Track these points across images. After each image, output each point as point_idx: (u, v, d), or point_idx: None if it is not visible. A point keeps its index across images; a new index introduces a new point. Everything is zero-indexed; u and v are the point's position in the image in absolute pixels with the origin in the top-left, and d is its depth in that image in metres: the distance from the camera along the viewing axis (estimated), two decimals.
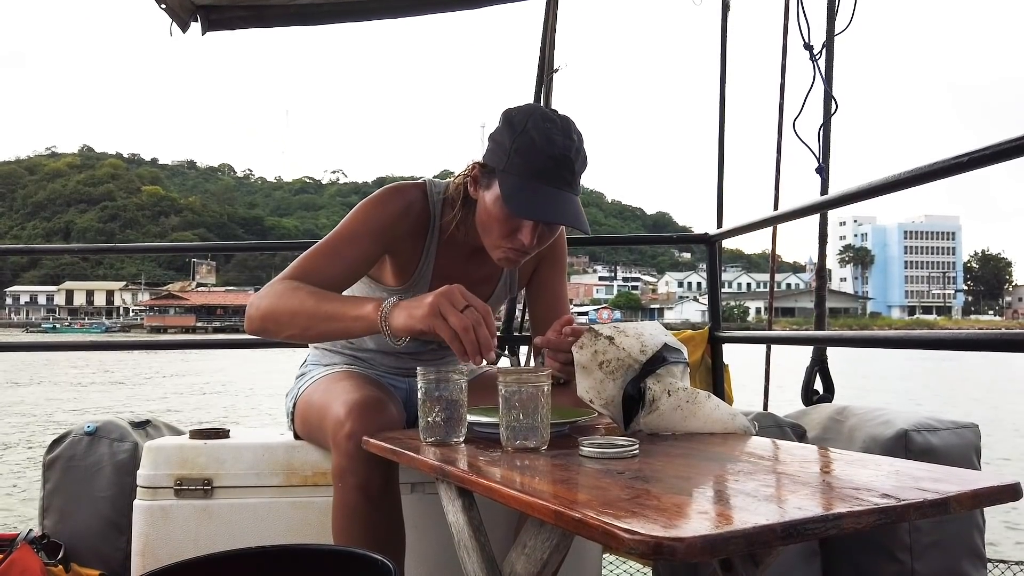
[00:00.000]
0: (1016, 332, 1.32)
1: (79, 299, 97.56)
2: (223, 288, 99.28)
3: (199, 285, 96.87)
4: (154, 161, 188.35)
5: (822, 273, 2.68)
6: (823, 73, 2.63)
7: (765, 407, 2.80)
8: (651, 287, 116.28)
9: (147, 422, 2.09)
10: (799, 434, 1.97)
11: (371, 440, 1.33)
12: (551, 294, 1.76)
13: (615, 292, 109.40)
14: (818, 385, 2.43)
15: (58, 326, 78.83)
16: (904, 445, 1.74)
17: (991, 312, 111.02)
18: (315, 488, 1.71)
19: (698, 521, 0.80)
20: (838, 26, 2.62)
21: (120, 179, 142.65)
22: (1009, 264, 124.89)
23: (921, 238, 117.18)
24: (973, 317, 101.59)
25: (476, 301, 1.27)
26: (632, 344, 1.34)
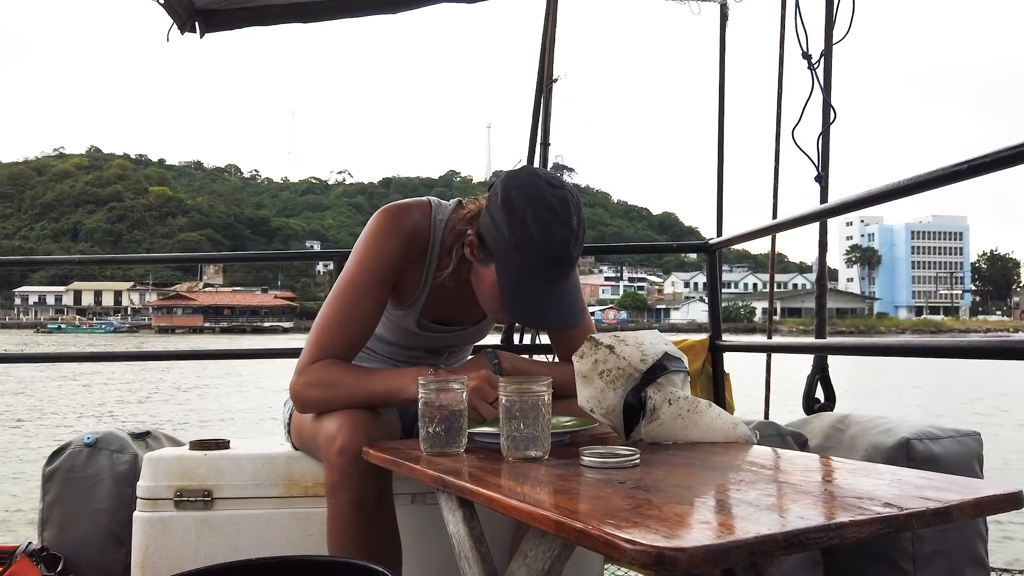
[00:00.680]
0: (1019, 339, 1.32)
1: (87, 299, 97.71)
2: (230, 288, 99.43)
3: (206, 285, 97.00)
4: (161, 162, 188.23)
5: (822, 281, 2.68)
6: (821, 82, 2.63)
7: (766, 416, 2.79)
8: (657, 287, 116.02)
9: (147, 433, 2.08)
10: (800, 443, 1.96)
11: (371, 451, 1.33)
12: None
13: (621, 292, 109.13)
14: (819, 394, 2.42)
15: (65, 326, 78.86)
16: (906, 454, 1.74)
17: (999, 312, 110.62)
18: (315, 499, 1.70)
19: (700, 531, 0.80)
20: (836, 34, 2.62)
21: (128, 180, 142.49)
22: (1017, 264, 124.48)
23: (928, 238, 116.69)
24: (981, 318, 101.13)
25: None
26: (632, 353, 1.34)
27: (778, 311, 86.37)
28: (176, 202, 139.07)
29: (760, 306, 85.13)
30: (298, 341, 2.03)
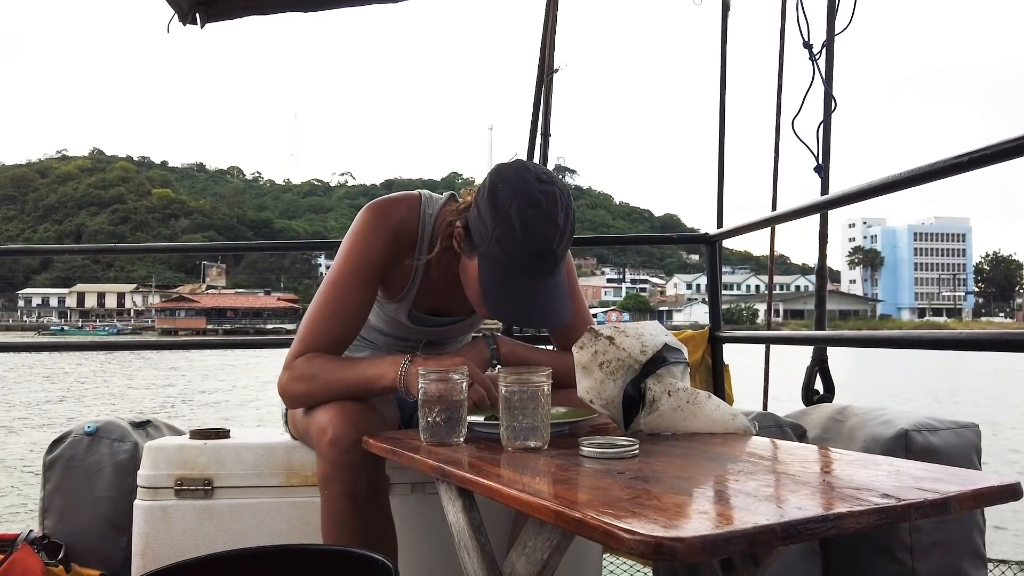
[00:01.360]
0: (1017, 332, 1.32)
1: (90, 301, 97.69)
2: (233, 290, 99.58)
3: (209, 287, 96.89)
4: (164, 164, 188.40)
5: (822, 273, 2.68)
6: (823, 72, 2.63)
7: (765, 407, 2.80)
8: (659, 289, 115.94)
9: (147, 422, 2.09)
10: (799, 434, 1.96)
11: (371, 440, 1.33)
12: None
13: (623, 294, 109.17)
14: (819, 385, 2.42)
15: (67, 328, 78.86)
16: (904, 445, 1.74)
17: (1002, 315, 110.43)
18: (315, 488, 1.70)
19: (698, 521, 0.80)
20: (838, 25, 2.61)
21: (131, 182, 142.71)
22: (1020, 266, 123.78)
23: (931, 240, 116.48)
24: (984, 319, 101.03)
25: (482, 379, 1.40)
26: (632, 344, 1.34)
27: (780, 313, 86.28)
28: (179, 204, 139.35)
29: (763, 308, 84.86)
30: None
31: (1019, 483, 0.96)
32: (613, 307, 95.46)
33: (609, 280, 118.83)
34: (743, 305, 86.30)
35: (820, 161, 2.61)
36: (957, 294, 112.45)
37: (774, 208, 2.88)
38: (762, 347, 2.73)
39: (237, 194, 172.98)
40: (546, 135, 3.14)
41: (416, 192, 1.62)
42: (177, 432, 2.07)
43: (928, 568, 1.73)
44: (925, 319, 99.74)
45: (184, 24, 2.60)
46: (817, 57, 2.64)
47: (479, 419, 1.34)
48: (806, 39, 2.67)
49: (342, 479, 1.39)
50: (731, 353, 2.53)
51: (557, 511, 0.85)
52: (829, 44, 2.62)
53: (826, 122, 2.62)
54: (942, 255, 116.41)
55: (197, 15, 2.60)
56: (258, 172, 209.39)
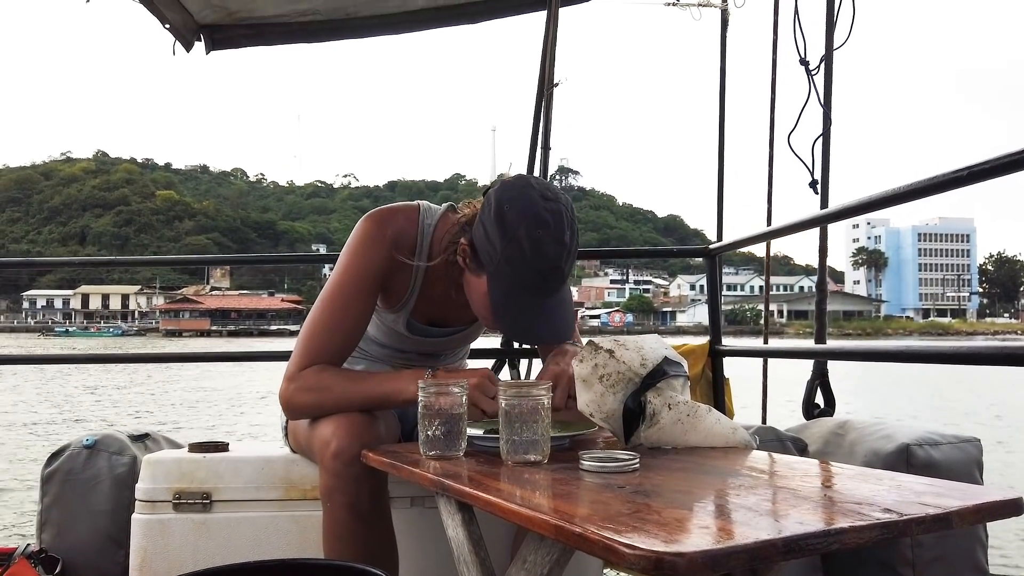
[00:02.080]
0: (1020, 346, 1.31)
1: (95, 303, 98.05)
2: (237, 292, 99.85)
3: (213, 289, 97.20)
4: (167, 166, 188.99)
5: (822, 286, 2.68)
6: (822, 87, 2.64)
7: (764, 420, 2.79)
8: (663, 290, 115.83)
9: (146, 435, 2.08)
10: (800, 448, 1.96)
11: (370, 454, 1.33)
12: None
13: (627, 295, 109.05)
14: (819, 399, 2.42)
15: (71, 329, 78.83)
16: (906, 459, 1.74)
17: (1007, 315, 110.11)
18: (314, 502, 1.70)
19: (699, 536, 0.79)
20: (836, 39, 2.62)
21: (135, 184, 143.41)
22: None
23: (935, 240, 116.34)
24: (988, 320, 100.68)
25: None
26: (632, 357, 1.34)
27: (784, 313, 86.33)
28: (183, 206, 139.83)
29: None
30: None
31: (1020, 498, 0.96)
32: (617, 308, 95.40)
33: (612, 281, 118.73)
34: (747, 306, 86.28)
35: (818, 176, 2.62)
36: (961, 295, 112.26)
37: (769, 223, 2.88)
38: (755, 358, 2.72)
39: (241, 196, 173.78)
40: (546, 148, 3.15)
41: (414, 203, 1.63)
42: (176, 445, 2.07)
43: None
44: (929, 320, 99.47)
45: (188, 51, 2.62)
46: (815, 72, 2.65)
47: (479, 432, 1.34)
48: (803, 55, 2.69)
49: (345, 492, 1.39)
50: (732, 363, 2.52)
51: (557, 525, 0.85)
52: (828, 59, 2.63)
53: (825, 137, 2.63)
54: (946, 256, 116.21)
55: (202, 40, 2.63)
56: (262, 174, 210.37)
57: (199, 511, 1.70)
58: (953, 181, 1.35)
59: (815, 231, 2.47)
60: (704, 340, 2.54)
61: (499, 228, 1.38)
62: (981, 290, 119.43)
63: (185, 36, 2.59)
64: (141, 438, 2.05)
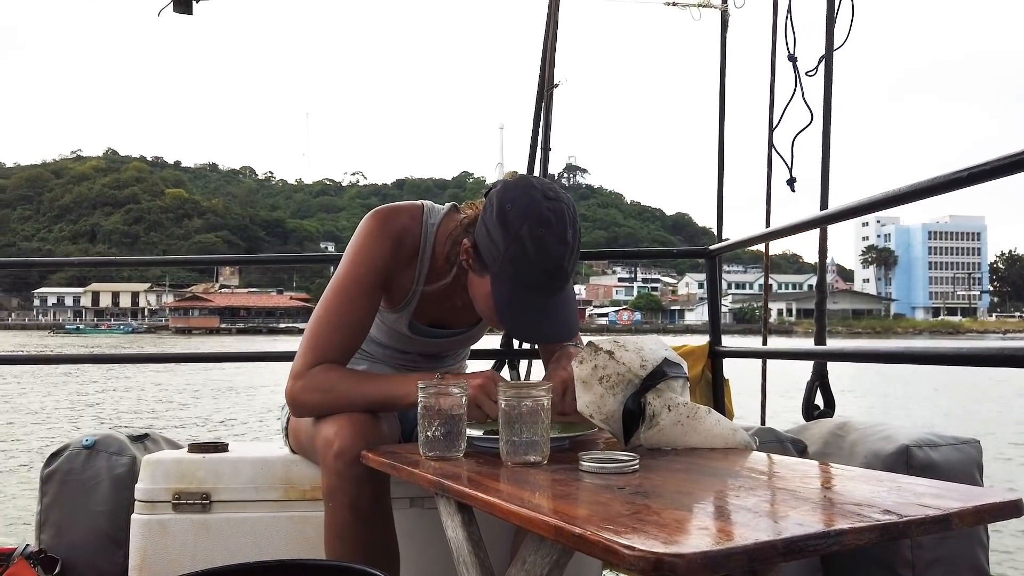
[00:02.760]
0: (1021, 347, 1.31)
1: (105, 300, 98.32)
2: (246, 289, 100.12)
3: (222, 286, 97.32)
4: (177, 164, 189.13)
5: (822, 288, 2.68)
6: (815, 86, 2.65)
7: (763, 421, 2.79)
8: (671, 288, 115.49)
9: (145, 435, 2.08)
10: (800, 449, 1.96)
11: (370, 455, 1.33)
12: None
13: (635, 293, 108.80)
14: (819, 400, 2.42)
15: (82, 327, 78.90)
16: (905, 461, 1.74)
17: (1018, 314, 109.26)
18: (313, 503, 1.70)
19: (699, 537, 0.79)
20: (836, 40, 2.63)
21: (144, 182, 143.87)
22: None
23: (946, 238, 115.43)
24: (999, 319, 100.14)
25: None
26: (632, 359, 1.34)
27: (793, 312, 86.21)
28: (192, 204, 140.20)
29: (775, 307, 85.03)
30: None
31: (1020, 499, 0.96)
32: (625, 306, 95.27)
33: (620, 279, 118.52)
34: (755, 305, 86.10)
35: (817, 174, 2.62)
36: (972, 293, 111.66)
37: (768, 224, 2.88)
38: (755, 359, 2.72)
39: (250, 194, 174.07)
40: (546, 149, 3.16)
41: (418, 202, 1.63)
42: (175, 446, 2.07)
43: None
44: (940, 318, 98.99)
45: (175, 11, 2.61)
46: (812, 72, 2.66)
47: (478, 433, 1.33)
48: (791, 52, 2.70)
49: (347, 492, 1.39)
50: (732, 364, 2.52)
51: (557, 526, 0.85)
52: (827, 59, 2.64)
53: (825, 135, 2.63)
54: (957, 254, 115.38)
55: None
56: (270, 172, 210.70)
57: (198, 511, 1.70)
58: (954, 182, 1.36)
59: (818, 231, 2.47)
60: (704, 341, 2.54)
61: (502, 228, 1.38)
62: (992, 288, 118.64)
63: None
64: (140, 438, 2.05)
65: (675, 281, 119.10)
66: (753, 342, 2.77)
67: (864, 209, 1.64)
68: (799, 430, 2.10)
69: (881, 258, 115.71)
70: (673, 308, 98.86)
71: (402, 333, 1.66)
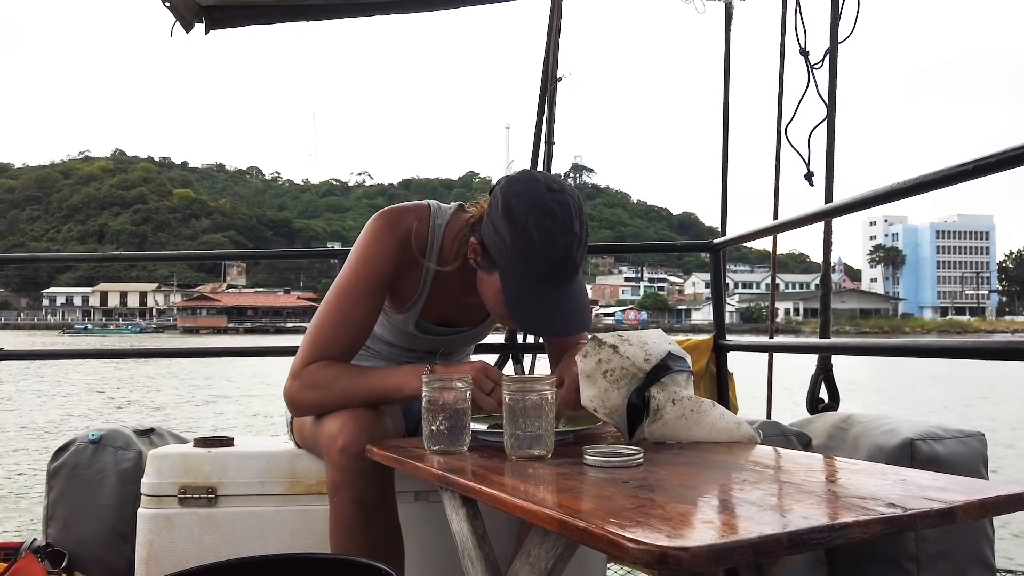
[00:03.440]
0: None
1: (113, 300, 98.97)
2: (253, 289, 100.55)
3: (230, 286, 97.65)
4: (184, 164, 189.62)
5: (827, 281, 2.68)
6: (825, 81, 2.63)
7: (768, 415, 2.79)
8: (678, 288, 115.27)
9: (151, 430, 2.09)
10: (804, 443, 1.96)
11: (374, 449, 1.33)
12: None
13: (641, 293, 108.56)
14: (823, 394, 2.42)
15: (90, 327, 79.23)
16: (910, 454, 1.74)
17: None
18: (319, 496, 1.71)
19: (703, 530, 0.79)
20: (841, 33, 2.62)
21: (152, 182, 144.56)
22: None
23: (954, 238, 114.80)
24: (1008, 318, 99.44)
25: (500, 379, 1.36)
26: (636, 353, 1.34)
27: (800, 311, 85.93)
28: (200, 204, 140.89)
29: (782, 307, 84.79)
30: None
31: None
32: (631, 306, 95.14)
33: (627, 279, 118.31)
34: (762, 304, 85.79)
35: (822, 168, 2.61)
36: (980, 292, 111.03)
37: (776, 216, 2.88)
38: (759, 352, 2.72)
39: (257, 194, 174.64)
40: (550, 143, 3.15)
41: (425, 202, 1.62)
42: (181, 440, 2.08)
43: None
44: (948, 318, 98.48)
45: (188, 32, 2.62)
46: (818, 66, 2.64)
47: (483, 427, 1.34)
48: (802, 46, 2.68)
49: (352, 486, 1.39)
50: (738, 360, 2.52)
51: (561, 520, 0.85)
52: (832, 52, 2.63)
53: (829, 129, 2.62)
54: (965, 253, 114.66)
55: (203, 21, 2.62)
56: (277, 172, 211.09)
57: (204, 505, 1.70)
58: (959, 175, 1.35)
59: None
60: (708, 335, 2.54)
61: (508, 222, 1.38)
62: (1000, 288, 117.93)
63: (185, 16, 2.59)
64: (146, 433, 2.06)
65: (681, 281, 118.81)
66: (757, 341, 2.75)
67: (870, 202, 1.64)
68: (803, 424, 2.10)
69: (889, 257, 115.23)
70: (679, 308, 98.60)
71: (409, 332, 1.66)
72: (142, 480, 1.75)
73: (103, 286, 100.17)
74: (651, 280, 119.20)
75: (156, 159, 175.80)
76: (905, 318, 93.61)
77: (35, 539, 1.91)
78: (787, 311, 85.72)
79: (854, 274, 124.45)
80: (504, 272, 1.40)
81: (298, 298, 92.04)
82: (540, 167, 3.14)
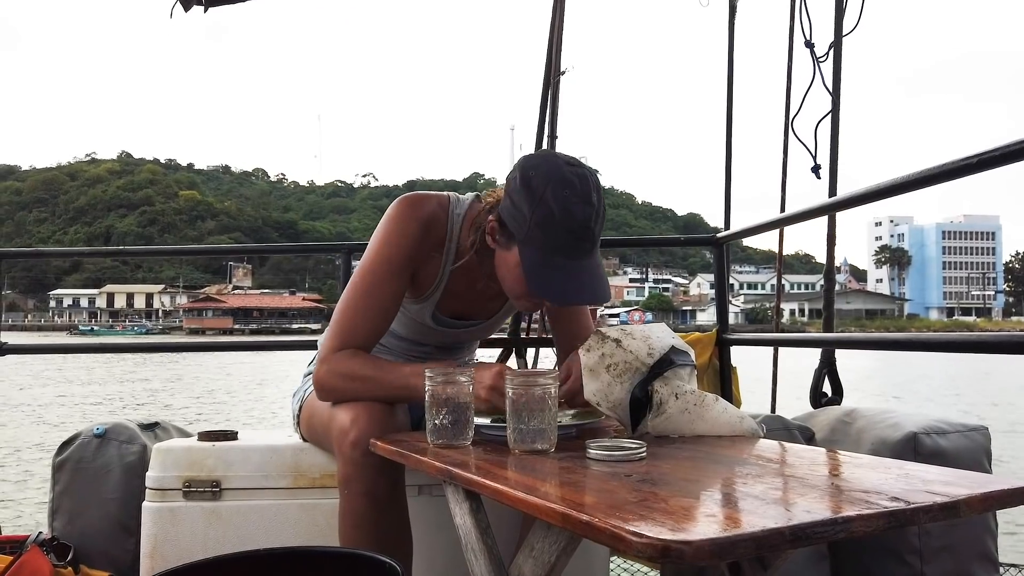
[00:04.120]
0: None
1: (119, 302, 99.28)
2: (259, 291, 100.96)
3: (235, 288, 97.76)
4: (190, 166, 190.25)
5: (830, 276, 2.67)
6: (830, 72, 2.62)
7: (773, 409, 2.79)
8: (683, 289, 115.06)
9: (156, 424, 2.10)
10: (807, 437, 1.96)
11: (379, 443, 1.33)
12: (571, 311, 1.75)
13: (646, 294, 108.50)
14: (827, 388, 2.41)
15: (96, 328, 79.51)
16: (913, 448, 1.73)
17: None
18: (323, 490, 1.71)
19: (706, 524, 0.80)
20: (846, 26, 2.61)
21: (158, 184, 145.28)
22: None
23: (960, 238, 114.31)
24: (1015, 319, 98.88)
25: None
26: (639, 347, 1.34)
27: (806, 312, 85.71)
28: (205, 206, 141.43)
29: (788, 308, 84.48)
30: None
31: None
32: (636, 307, 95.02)
33: (632, 280, 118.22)
34: (767, 305, 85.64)
35: (826, 162, 2.61)
36: (987, 293, 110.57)
37: (783, 209, 2.87)
38: (763, 346, 2.72)
39: (262, 196, 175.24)
40: (553, 137, 3.15)
41: (445, 193, 1.63)
42: (185, 434, 2.08)
43: (937, 572, 1.73)
44: (954, 319, 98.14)
45: (187, 10, 2.62)
46: (823, 59, 2.63)
47: (486, 421, 1.34)
48: (808, 38, 2.68)
49: (363, 479, 1.39)
50: (740, 353, 2.52)
51: (564, 514, 0.85)
52: (837, 45, 2.62)
53: (834, 122, 2.61)
54: (971, 253, 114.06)
55: (202, 4, 2.62)
56: (282, 174, 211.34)
57: (209, 499, 1.71)
58: (963, 168, 1.35)
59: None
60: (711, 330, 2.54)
61: (527, 193, 1.39)
62: (1007, 288, 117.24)
63: None
64: (151, 427, 2.07)
65: (686, 282, 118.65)
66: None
67: (874, 196, 1.63)
68: (807, 417, 2.10)
69: (894, 258, 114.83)
70: (685, 308, 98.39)
71: (424, 324, 1.66)
72: (147, 474, 1.75)
73: (109, 288, 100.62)
74: (656, 281, 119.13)
75: (162, 161, 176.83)
76: (911, 319, 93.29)
77: (40, 532, 1.92)
78: (792, 312, 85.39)
79: (860, 275, 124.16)
80: (523, 244, 1.40)
81: (303, 299, 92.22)
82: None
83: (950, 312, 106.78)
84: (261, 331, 74.38)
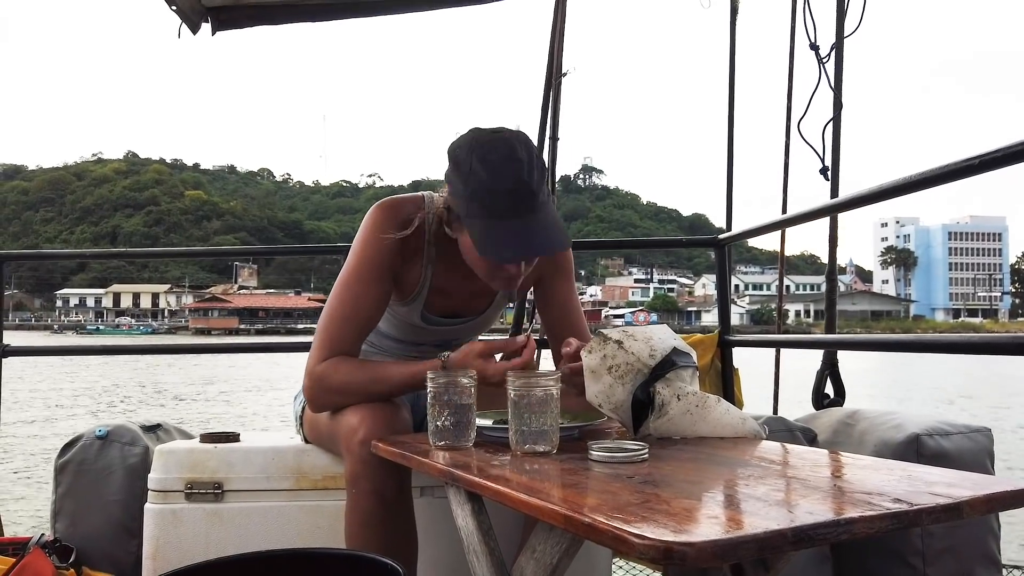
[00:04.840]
0: None
1: (126, 301, 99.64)
2: (264, 291, 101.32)
3: (241, 288, 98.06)
4: (196, 166, 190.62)
5: (832, 276, 2.67)
6: (832, 73, 2.62)
7: (775, 411, 2.78)
8: (688, 289, 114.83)
9: (158, 426, 2.10)
10: (810, 438, 1.95)
11: (381, 444, 1.33)
12: (559, 305, 1.73)
13: (651, 294, 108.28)
14: (829, 389, 2.41)
15: (102, 328, 79.71)
16: (916, 449, 1.73)
17: None
18: (325, 492, 1.71)
19: (708, 526, 0.79)
20: (847, 27, 2.60)
21: (164, 184, 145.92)
22: None
23: (966, 239, 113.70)
24: (1022, 320, 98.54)
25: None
26: (641, 348, 1.34)
27: (812, 313, 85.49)
28: (211, 206, 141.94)
29: (793, 309, 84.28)
30: None
31: None
32: (641, 308, 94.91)
33: (637, 280, 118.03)
34: (771, 306, 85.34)
35: (829, 163, 2.61)
36: (993, 294, 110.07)
37: (784, 211, 2.87)
38: (765, 348, 2.72)
39: (267, 196, 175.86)
40: (554, 139, 3.15)
41: (419, 193, 1.63)
42: (187, 436, 2.08)
43: (940, 573, 1.72)
44: (960, 320, 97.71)
45: (195, 33, 2.63)
46: (825, 60, 2.63)
47: (488, 423, 1.34)
48: (812, 40, 2.67)
49: (371, 478, 1.40)
50: (745, 358, 2.52)
51: (566, 515, 0.85)
52: (838, 46, 2.61)
53: (835, 124, 2.61)
54: (977, 255, 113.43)
55: (208, 25, 2.64)
56: (288, 174, 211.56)
57: (211, 501, 1.71)
58: (965, 170, 1.35)
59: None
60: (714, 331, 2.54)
61: (456, 171, 1.41)
62: (1013, 290, 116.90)
63: (191, 18, 2.60)
64: (153, 428, 2.07)
65: (691, 282, 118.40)
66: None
67: (876, 197, 1.63)
68: (809, 419, 2.10)
69: (900, 259, 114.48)
70: (690, 309, 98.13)
71: (415, 325, 1.67)
72: (149, 475, 1.76)
73: (116, 287, 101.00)
74: (661, 281, 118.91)
75: (168, 161, 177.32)
76: (917, 320, 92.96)
77: (43, 534, 1.92)
78: (797, 313, 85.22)
79: (865, 276, 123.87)
80: (467, 221, 1.41)
81: (308, 299, 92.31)
82: (545, 162, 3.13)
83: (956, 313, 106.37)
84: (266, 331, 74.50)
